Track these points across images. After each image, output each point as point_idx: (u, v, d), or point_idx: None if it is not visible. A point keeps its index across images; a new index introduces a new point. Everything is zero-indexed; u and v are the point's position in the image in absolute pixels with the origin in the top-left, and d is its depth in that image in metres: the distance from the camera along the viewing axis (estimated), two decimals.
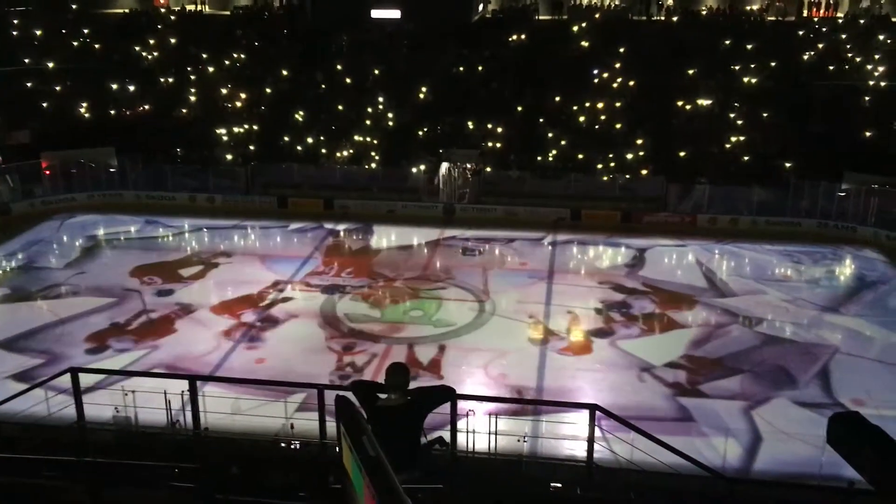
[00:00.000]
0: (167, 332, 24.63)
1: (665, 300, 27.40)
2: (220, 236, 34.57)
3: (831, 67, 39.60)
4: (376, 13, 44.41)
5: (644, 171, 36.19)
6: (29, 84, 40.98)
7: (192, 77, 41.77)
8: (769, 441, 19.07)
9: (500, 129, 37.72)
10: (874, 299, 28.06)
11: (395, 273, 29.97)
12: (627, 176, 36.36)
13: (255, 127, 39.28)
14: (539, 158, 36.97)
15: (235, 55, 42.99)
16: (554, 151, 36.93)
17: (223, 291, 28.28)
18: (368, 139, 38.15)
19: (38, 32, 44.77)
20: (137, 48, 43.79)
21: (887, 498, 3.99)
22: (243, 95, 40.45)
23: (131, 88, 41.24)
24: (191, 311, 26.20)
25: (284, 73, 41.69)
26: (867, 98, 37.87)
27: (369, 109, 39.17)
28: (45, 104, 39.89)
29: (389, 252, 33.21)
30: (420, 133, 38.32)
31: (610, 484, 12.48)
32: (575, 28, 43.29)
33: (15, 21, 45.43)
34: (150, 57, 43.64)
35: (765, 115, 36.88)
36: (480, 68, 40.90)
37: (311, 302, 27.19)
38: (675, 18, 44.92)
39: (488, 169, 37.09)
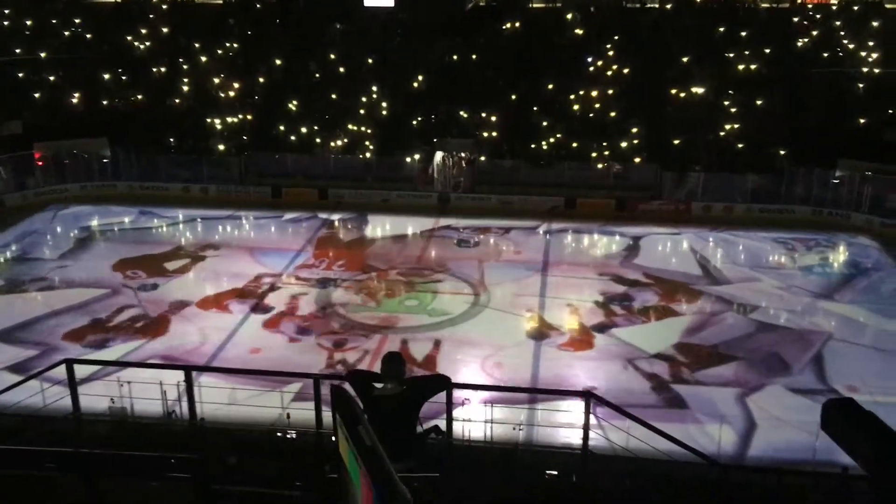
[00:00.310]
0: (156, 327, 24.48)
1: (659, 288, 27.44)
2: (213, 227, 34.48)
3: (826, 54, 39.58)
4: (369, 2, 44.20)
5: (637, 160, 36.19)
6: (20, 74, 40.71)
7: (185, 67, 41.55)
8: (763, 427, 19.18)
9: (493, 118, 37.64)
10: (868, 286, 28.17)
11: (389, 265, 29.88)
12: (620, 166, 36.30)
13: (248, 117, 39.14)
14: (533, 147, 36.92)
15: (228, 44, 42.76)
16: (550, 140, 36.86)
17: (208, 285, 27.96)
18: (362, 128, 38.06)
19: (29, 22, 44.44)
20: (129, 38, 43.52)
21: (881, 483, 4.01)
22: (236, 85, 40.26)
23: (124, 78, 41.02)
24: (176, 304, 25.90)
25: (278, 62, 41.50)
26: (861, 85, 37.86)
27: (363, 99, 39.04)
28: (37, 95, 39.67)
29: (383, 242, 33.15)
30: (414, 122, 38.22)
31: (605, 471, 12.52)
32: (569, 16, 43.14)
33: (6, 11, 45.10)
34: (142, 46, 43.39)
35: (759, 102, 36.85)
36: (474, 57, 40.76)
37: (302, 296, 26.93)
38: (668, 6, 44.78)
39: (482, 158, 37.04)
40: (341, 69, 40.66)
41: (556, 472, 11.89)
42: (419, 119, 38.27)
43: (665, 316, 25.62)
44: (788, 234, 32.64)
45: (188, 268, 29.51)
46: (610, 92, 37.97)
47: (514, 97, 38.48)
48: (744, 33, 40.32)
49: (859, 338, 24.31)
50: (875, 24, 40.74)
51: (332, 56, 41.38)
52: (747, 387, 21.07)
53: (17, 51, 41.91)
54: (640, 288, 27.50)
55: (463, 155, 36.89)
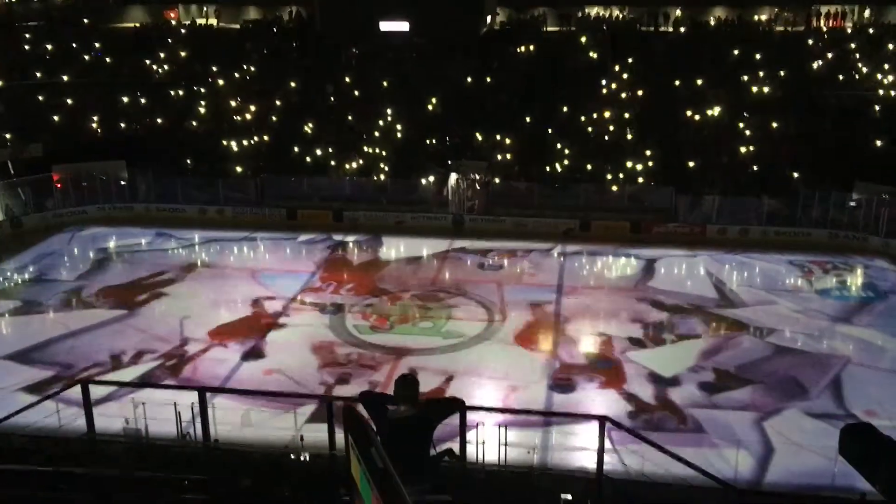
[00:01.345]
0: (162, 350, 24.48)
1: (675, 312, 27.27)
2: (227, 249, 34.55)
3: (841, 77, 39.55)
4: (385, 25, 44.62)
5: (652, 182, 36.13)
6: (41, 98, 41.32)
7: (203, 90, 42.03)
8: (781, 452, 18.95)
9: (508, 141, 37.76)
10: (886, 309, 27.86)
11: (401, 287, 29.69)
12: (640, 180, 36.18)
13: (265, 138, 39.46)
14: (547, 169, 36.96)
15: (246, 68, 43.27)
16: (566, 162, 36.88)
17: (212, 308, 27.75)
18: (377, 150, 38.26)
19: (50, 47, 45.18)
20: (148, 62, 44.14)
21: None
22: (253, 108, 40.67)
23: (142, 102, 41.53)
24: (181, 327, 25.80)
25: (294, 85, 41.92)
26: (877, 107, 37.77)
27: (380, 122, 39.30)
28: (56, 118, 40.20)
29: (396, 265, 33.00)
30: (429, 144, 38.40)
31: (621, 496, 12.41)
32: (583, 39, 43.40)
33: (27, 35, 45.89)
34: (160, 70, 43.98)
35: (774, 124, 36.81)
36: (489, 80, 41.02)
37: (309, 323, 26.57)
38: (682, 29, 44.98)
39: (497, 180, 37.09)
40: (356, 92, 41.00)
41: (570, 497, 11.81)
42: (434, 141, 38.44)
43: (681, 339, 25.45)
44: (805, 257, 32.39)
45: (195, 290, 29.44)
46: (625, 115, 38.07)
47: (528, 119, 38.62)
48: (758, 56, 40.39)
49: (878, 362, 24.04)
50: (891, 46, 40.74)
51: (348, 79, 41.77)
52: (764, 411, 20.84)
53: (38, 75, 42.58)
54: (655, 311, 27.34)
55: (477, 177, 36.93)
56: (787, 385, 22.23)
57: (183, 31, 48.11)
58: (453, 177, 37.01)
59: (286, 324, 26.44)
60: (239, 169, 38.34)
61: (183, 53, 45.01)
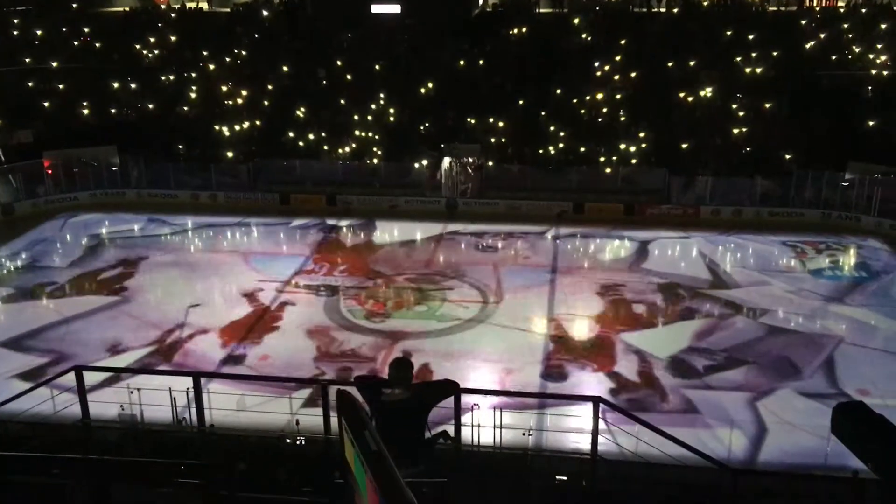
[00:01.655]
0: (153, 335, 24.51)
1: (669, 293, 27.32)
2: (220, 234, 34.47)
3: (834, 57, 39.48)
4: (376, 8, 44.36)
5: (646, 164, 36.09)
6: (31, 84, 40.99)
7: (194, 75, 41.73)
8: (774, 432, 19.08)
9: (501, 124, 37.64)
10: (878, 289, 28.00)
11: (395, 271, 29.66)
12: (633, 162, 36.12)
13: (257, 123, 39.25)
14: (541, 152, 36.88)
15: (236, 52, 42.95)
16: (559, 145, 36.80)
17: (208, 293, 27.87)
18: (370, 134, 38.11)
19: (39, 32, 44.76)
20: (138, 46, 43.79)
21: (892, 487, 3.98)
22: (244, 92, 40.41)
23: (133, 87, 41.22)
24: (172, 313, 25.77)
25: (285, 69, 41.65)
26: (870, 87, 37.73)
27: (372, 106, 39.11)
28: (46, 104, 39.89)
29: (390, 248, 32.93)
30: (422, 128, 38.25)
31: (615, 476, 12.46)
32: (576, 21, 43.19)
33: (15, 21, 45.46)
34: (150, 55, 43.64)
35: (767, 105, 36.76)
36: (481, 62, 40.82)
37: (303, 307, 26.56)
38: (675, 10, 44.79)
39: (490, 163, 37.01)
40: (348, 76, 40.77)
41: (565, 478, 11.86)
42: (427, 125, 38.29)
43: (674, 320, 25.52)
44: (798, 238, 32.47)
45: (188, 276, 29.36)
46: (618, 96, 37.97)
47: (521, 102, 38.48)
48: (751, 36, 40.27)
49: (870, 341, 24.15)
50: (883, 26, 40.64)
51: (339, 62, 41.52)
52: (758, 391, 20.95)
53: (27, 60, 42.21)
54: (649, 292, 27.40)
55: (471, 160, 36.84)
56: (780, 365, 22.34)
57: (173, 15, 47.70)
58: (446, 160, 36.91)
59: (280, 308, 26.41)
60: (231, 154, 38.16)
61: (173, 38, 44.64)
